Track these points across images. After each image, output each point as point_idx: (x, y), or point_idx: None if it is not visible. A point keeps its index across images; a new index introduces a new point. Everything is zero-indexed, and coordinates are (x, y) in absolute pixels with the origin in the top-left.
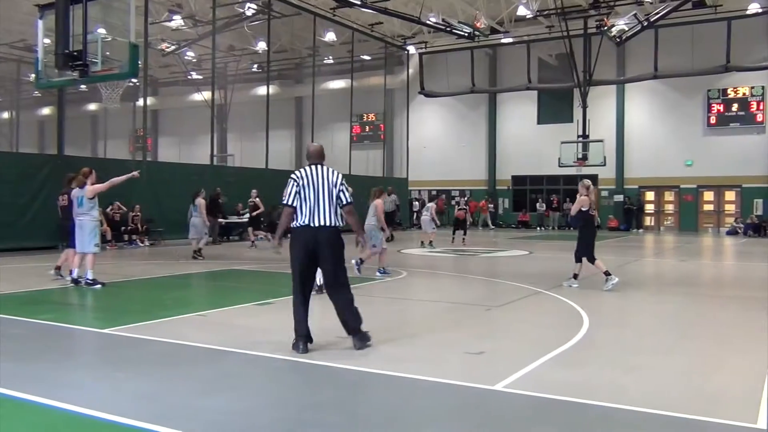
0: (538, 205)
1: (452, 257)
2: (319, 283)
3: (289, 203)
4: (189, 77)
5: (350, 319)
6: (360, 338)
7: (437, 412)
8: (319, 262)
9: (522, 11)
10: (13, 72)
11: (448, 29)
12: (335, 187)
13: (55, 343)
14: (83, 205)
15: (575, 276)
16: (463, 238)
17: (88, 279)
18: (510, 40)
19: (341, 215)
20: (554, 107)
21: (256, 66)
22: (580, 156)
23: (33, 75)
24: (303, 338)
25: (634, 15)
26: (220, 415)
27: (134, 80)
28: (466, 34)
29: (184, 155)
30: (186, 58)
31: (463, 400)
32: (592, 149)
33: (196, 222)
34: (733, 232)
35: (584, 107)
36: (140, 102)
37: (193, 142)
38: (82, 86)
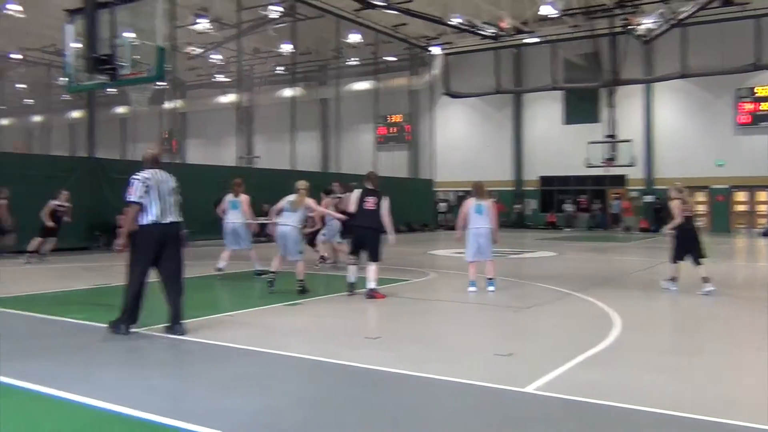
0: (565, 206)
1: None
2: (352, 280)
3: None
4: (215, 80)
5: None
6: (179, 328)
7: (465, 414)
8: (165, 256)
9: (547, 11)
10: (44, 76)
11: (472, 30)
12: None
13: (87, 342)
14: (237, 209)
15: (705, 280)
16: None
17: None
18: (535, 40)
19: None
20: (581, 107)
21: (281, 68)
22: (607, 156)
23: (63, 79)
24: (126, 324)
25: (661, 13)
26: (246, 414)
27: (162, 83)
28: (491, 35)
29: (211, 157)
30: (212, 60)
31: (493, 401)
32: (620, 149)
33: None
34: (767, 233)
35: (611, 107)
36: (168, 105)
37: (219, 144)
38: (112, 90)
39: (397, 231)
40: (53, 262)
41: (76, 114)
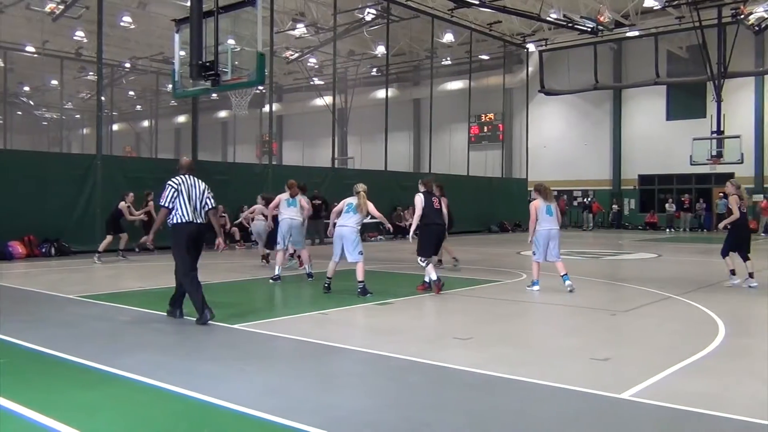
0: (667, 205)
1: (574, 260)
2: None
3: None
4: (311, 83)
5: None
6: (206, 315)
7: (560, 419)
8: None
9: (649, 2)
10: (152, 83)
11: (570, 25)
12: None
13: (189, 337)
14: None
15: (732, 272)
16: None
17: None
18: (636, 33)
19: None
20: (685, 102)
21: (375, 70)
22: (714, 153)
23: (170, 85)
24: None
25: None
26: (343, 412)
27: (261, 87)
28: (589, 29)
29: (307, 158)
30: (309, 64)
31: (588, 407)
32: (727, 146)
33: (259, 227)
34: None
35: (719, 101)
36: (266, 108)
37: (315, 146)
38: (214, 95)
39: (489, 231)
40: (155, 260)
41: (181, 119)
